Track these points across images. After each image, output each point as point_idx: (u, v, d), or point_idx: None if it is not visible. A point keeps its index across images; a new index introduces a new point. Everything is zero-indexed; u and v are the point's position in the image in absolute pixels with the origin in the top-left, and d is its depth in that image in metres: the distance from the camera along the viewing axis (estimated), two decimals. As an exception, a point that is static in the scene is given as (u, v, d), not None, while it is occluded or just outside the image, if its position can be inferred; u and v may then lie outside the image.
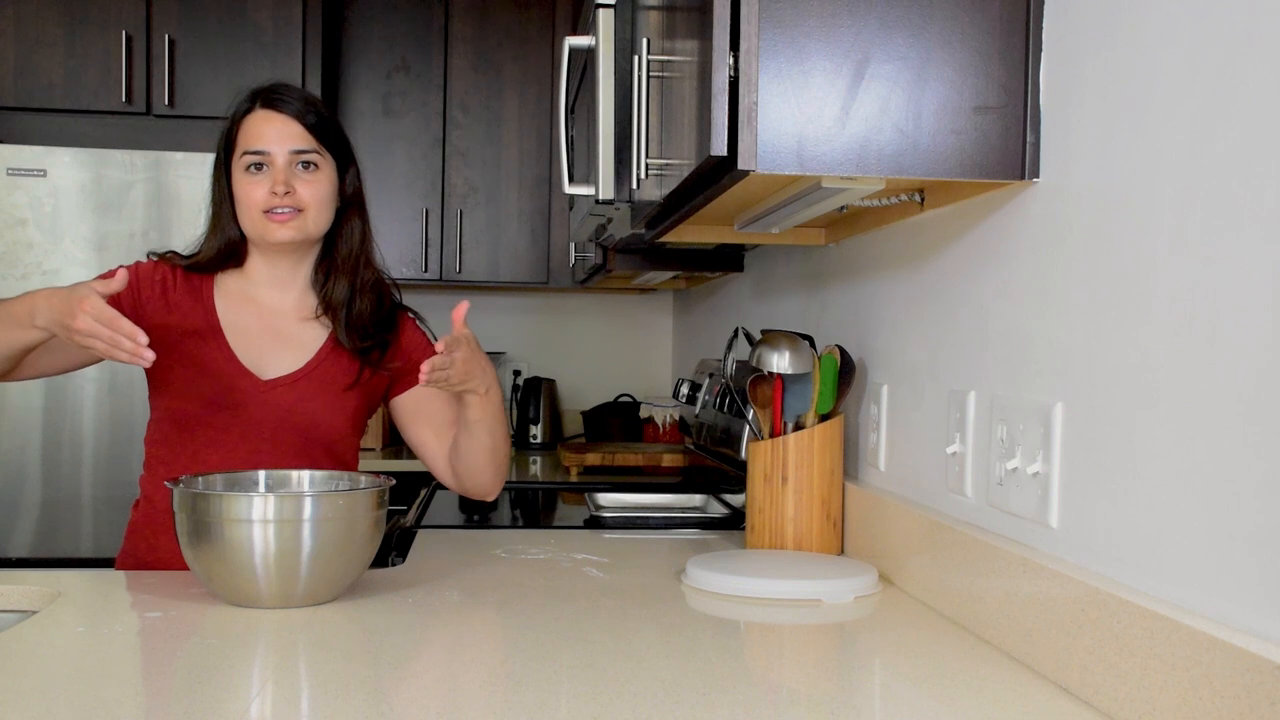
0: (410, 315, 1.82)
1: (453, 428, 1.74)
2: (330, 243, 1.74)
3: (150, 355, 1.39)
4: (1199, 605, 0.94)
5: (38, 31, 3.29)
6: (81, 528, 3.06)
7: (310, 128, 1.66)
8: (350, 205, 1.74)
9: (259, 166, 1.64)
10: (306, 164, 1.66)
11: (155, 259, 1.74)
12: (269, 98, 1.66)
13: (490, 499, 1.81)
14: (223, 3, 3.37)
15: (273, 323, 1.73)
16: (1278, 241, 0.86)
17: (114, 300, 1.61)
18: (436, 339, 1.78)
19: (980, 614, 1.29)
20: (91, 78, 3.30)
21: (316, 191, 1.67)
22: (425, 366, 1.47)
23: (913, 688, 1.11)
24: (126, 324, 1.39)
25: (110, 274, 1.48)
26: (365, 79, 3.62)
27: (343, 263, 1.74)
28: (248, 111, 1.66)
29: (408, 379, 1.76)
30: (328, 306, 1.73)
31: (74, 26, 3.30)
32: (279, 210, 1.64)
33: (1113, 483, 1.08)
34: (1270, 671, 0.82)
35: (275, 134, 1.64)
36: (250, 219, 1.66)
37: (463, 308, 1.54)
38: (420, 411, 1.78)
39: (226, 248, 1.71)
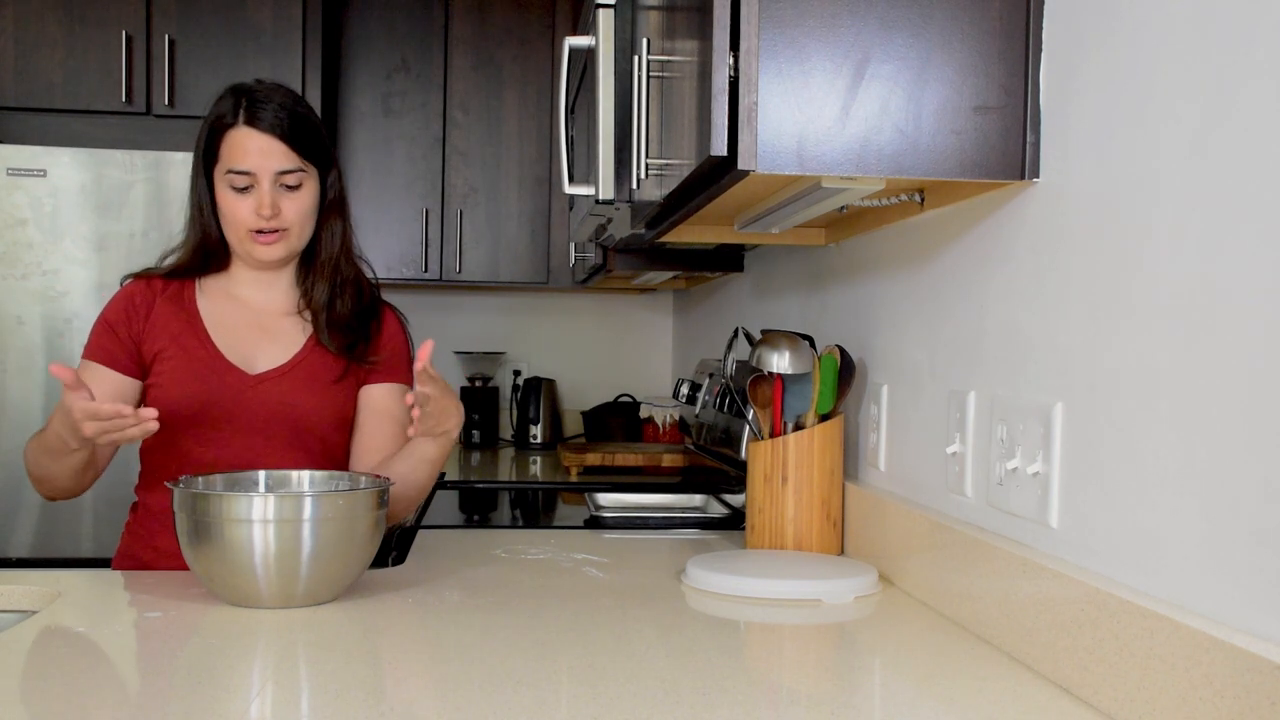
0: (390, 309, 1.84)
1: (389, 448, 1.74)
2: (311, 244, 1.75)
3: (152, 415, 1.41)
4: (1199, 605, 0.94)
5: (38, 31, 3.29)
6: (81, 528, 3.06)
7: (293, 143, 1.65)
8: (331, 209, 1.75)
9: (243, 185, 1.65)
10: (290, 182, 1.66)
11: (133, 279, 1.76)
12: (251, 112, 1.64)
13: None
14: (223, 3, 3.37)
15: (257, 319, 1.75)
16: (1277, 241, 0.86)
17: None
18: (413, 342, 1.82)
19: (980, 614, 1.29)
20: (91, 78, 3.30)
21: (300, 209, 1.68)
22: (410, 399, 1.47)
23: (913, 688, 1.11)
24: (110, 409, 1.39)
25: (69, 373, 1.43)
26: (365, 79, 3.62)
27: (322, 265, 1.75)
28: (230, 125, 1.64)
29: (381, 373, 1.77)
30: (309, 307, 1.75)
31: (74, 26, 3.30)
32: (265, 232, 1.66)
33: (1113, 483, 1.08)
34: (1270, 671, 0.82)
35: (259, 153, 1.63)
36: (236, 237, 1.69)
37: (426, 348, 1.47)
38: (373, 413, 1.77)
39: (206, 250, 1.72)
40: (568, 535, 1.98)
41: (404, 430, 1.73)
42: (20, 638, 1.24)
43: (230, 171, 1.64)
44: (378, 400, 1.77)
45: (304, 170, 1.67)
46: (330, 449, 1.75)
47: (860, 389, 1.81)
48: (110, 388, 1.66)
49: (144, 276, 1.75)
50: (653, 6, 1.62)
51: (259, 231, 1.66)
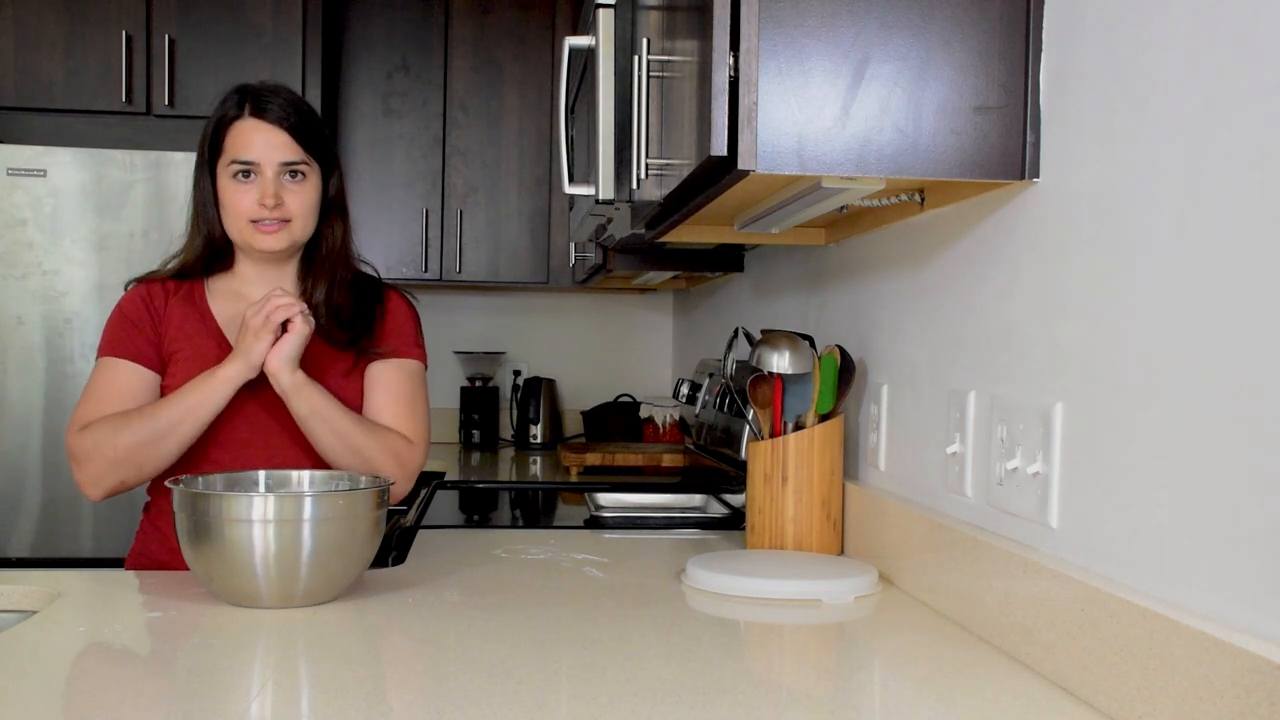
0: (395, 291, 1.85)
1: (384, 419, 1.73)
2: (312, 243, 1.76)
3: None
4: (1199, 605, 0.94)
5: (38, 31, 3.29)
6: (81, 528, 3.06)
7: (298, 137, 1.67)
8: (332, 208, 1.76)
9: (246, 175, 1.66)
10: (294, 173, 1.67)
11: (139, 282, 1.76)
12: (257, 105, 1.66)
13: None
14: (223, 3, 3.37)
15: None
16: (1277, 241, 0.86)
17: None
18: (421, 321, 1.85)
19: (980, 614, 1.29)
20: (91, 78, 3.30)
21: (303, 201, 1.69)
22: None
23: (913, 688, 1.11)
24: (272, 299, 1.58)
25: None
26: (365, 79, 3.62)
27: (320, 264, 1.76)
28: (236, 118, 1.66)
29: (387, 348, 1.77)
30: (309, 304, 1.75)
31: (74, 26, 3.30)
32: (267, 222, 1.67)
33: (1113, 483, 1.08)
34: (1270, 671, 0.82)
35: (264, 144, 1.65)
36: (238, 228, 1.69)
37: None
38: (370, 385, 1.76)
39: (211, 248, 1.73)
40: (568, 535, 1.98)
41: (399, 401, 1.73)
42: (20, 638, 1.24)
43: (234, 162, 1.65)
44: (377, 373, 1.76)
45: (307, 164, 1.69)
46: None
47: (860, 389, 1.81)
48: (134, 381, 1.66)
49: (150, 280, 1.75)
50: (653, 6, 1.62)
51: (261, 222, 1.66)
